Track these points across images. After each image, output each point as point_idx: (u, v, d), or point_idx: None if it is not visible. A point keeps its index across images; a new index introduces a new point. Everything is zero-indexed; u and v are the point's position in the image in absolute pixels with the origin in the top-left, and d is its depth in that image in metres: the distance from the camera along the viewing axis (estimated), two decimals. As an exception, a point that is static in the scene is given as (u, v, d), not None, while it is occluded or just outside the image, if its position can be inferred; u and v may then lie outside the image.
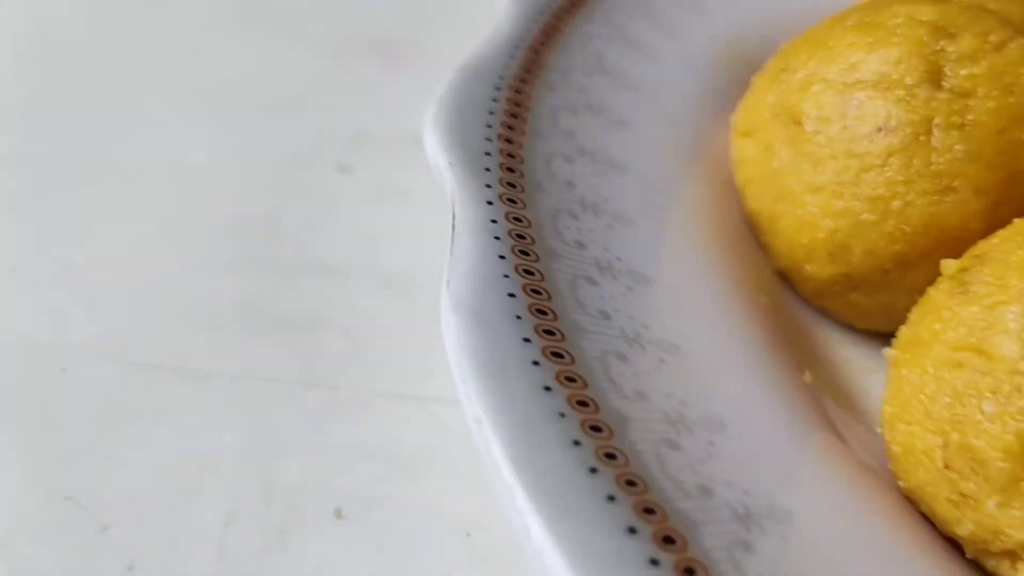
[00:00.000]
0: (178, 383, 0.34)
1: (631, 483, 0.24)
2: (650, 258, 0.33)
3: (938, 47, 0.33)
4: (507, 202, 0.32)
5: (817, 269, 0.35)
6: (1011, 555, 0.27)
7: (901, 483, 0.29)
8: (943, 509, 0.28)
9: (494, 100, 0.36)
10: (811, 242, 0.34)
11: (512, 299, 0.28)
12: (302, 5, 0.56)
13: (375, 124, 0.47)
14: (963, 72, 0.32)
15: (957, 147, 0.32)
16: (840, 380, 0.34)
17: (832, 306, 0.36)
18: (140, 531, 0.30)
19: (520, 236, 0.31)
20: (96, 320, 0.36)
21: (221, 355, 0.36)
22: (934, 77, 0.32)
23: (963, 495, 0.27)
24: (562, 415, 0.25)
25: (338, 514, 0.31)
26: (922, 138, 0.32)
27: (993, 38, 0.33)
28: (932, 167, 0.32)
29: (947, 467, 0.27)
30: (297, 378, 0.35)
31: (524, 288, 0.29)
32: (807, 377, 0.32)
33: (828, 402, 0.33)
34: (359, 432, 0.34)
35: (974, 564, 0.28)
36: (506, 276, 0.29)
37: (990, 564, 0.28)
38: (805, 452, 0.29)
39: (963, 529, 0.27)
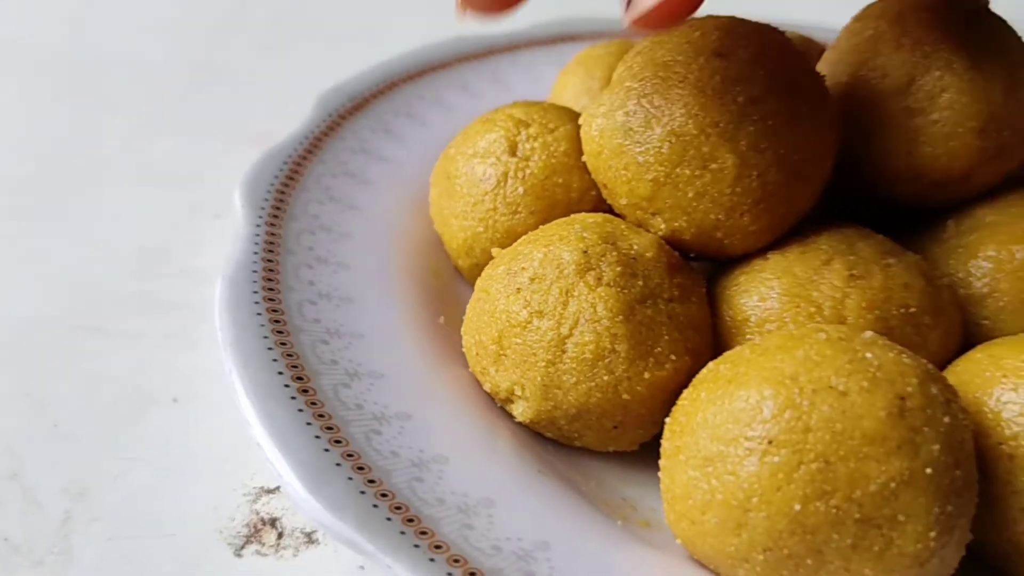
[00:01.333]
0: (97, 335, 0.60)
1: (314, 403, 0.47)
2: (354, 252, 0.57)
3: (518, 132, 0.57)
4: (269, 225, 0.57)
5: (463, 262, 0.59)
6: (508, 400, 0.50)
7: (469, 369, 0.53)
8: (480, 379, 0.52)
9: (280, 170, 0.61)
10: (457, 246, 0.59)
11: (254, 272, 0.53)
12: (207, 111, 0.82)
13: (242, 187, 0.72)
14: (528, 145, 0.57)
15: (519, 188, 0.56)
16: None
17: (478, 284, 0.60)
18: (66, 407, 0.55)
19: (270, 243, 0.55)
20: (54, 302, 0.62)
21: (124, 323, 0.61)
22: (512, 149, 0.57)
23: (484, 368, 0.51)
24: (263, 325, 0.50)
25: (175, 400, 0.56)
26: (502, 183, 0.56)
27: (551, 125, 0.58)
28: (507, 199, 0.56)
29: (477, 354, 0.51)
30: (162, 332, 0.60)
31: (264, 268, 0.53)
32: (441, 320, 0.57)
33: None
34: (192, 357, 0.58)
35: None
36: (254, 262, 0.54)
37: (507, 408, 0.51)
38: (433, 381, 0.52)
39: (486, 387, 0.51)
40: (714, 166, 0.48)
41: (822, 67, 0.56)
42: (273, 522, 0.49)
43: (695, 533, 0.43)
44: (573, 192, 0.56)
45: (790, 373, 0.41)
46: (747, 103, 0.48)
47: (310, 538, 0.48)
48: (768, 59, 0.48)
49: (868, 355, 0.41)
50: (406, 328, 0.54)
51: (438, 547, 0.41)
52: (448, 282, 0.60)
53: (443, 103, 0.73)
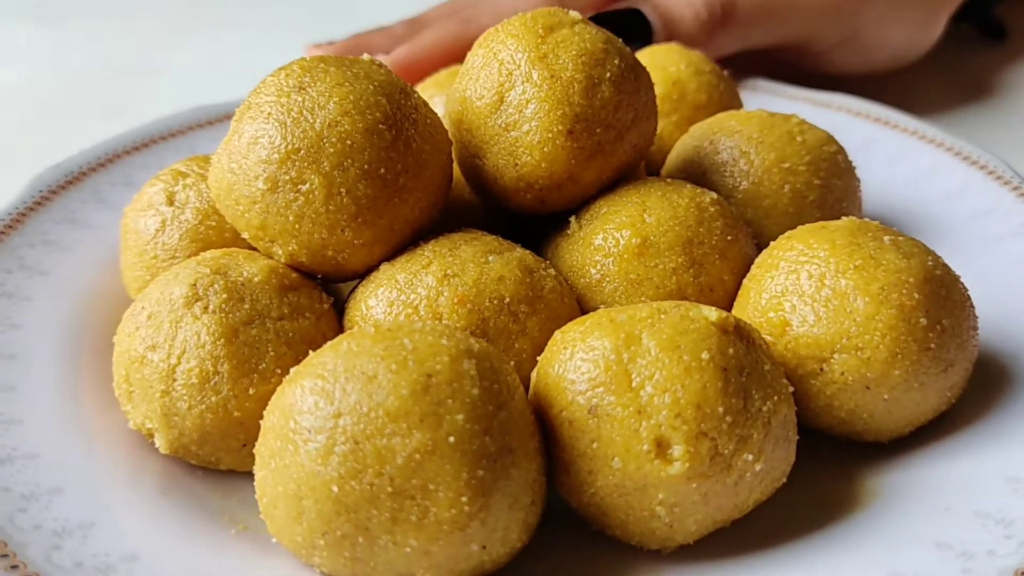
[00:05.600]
0: None
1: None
2: (32, 313, 0.60)
3: (176, 183, 0.61)
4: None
5: (143, 311, 0.62)
6: (150, 433, 0.53)
7: (125, 409, 0.56)
8: (127, 418, 0.54)
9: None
10: (135, 296, 0.62)
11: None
12: None
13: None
14: (183, 195, 0.60)
15: (175, 235, 0.59)
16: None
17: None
18: None
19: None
20: None
21: None
22: (170, 199, 0.61)
23: (124, 407, 0.53)
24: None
25: None
26: (160, 232, 0.60)
27: (206, 173, 0.61)
28: (166, 246, 0.60)
29: (119, 395, 0.54)
30: None
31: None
32: (114, 367, 0.59)
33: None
34: None
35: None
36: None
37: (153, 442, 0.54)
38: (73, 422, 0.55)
39: (130, 425, 0.54)
40: (304, 188, 0.52)
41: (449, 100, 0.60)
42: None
43: (276, 528, 0.45)
44: (227, 232, 0.60)
45: (330, 366, 0.44)
46: (324, 127, 0.51)
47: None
48: (344, 86, 0.52)
49: (406, 341, 0.44)
50: (63, 378, 0.57)
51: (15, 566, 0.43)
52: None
53: (166, 169, 0.76)
